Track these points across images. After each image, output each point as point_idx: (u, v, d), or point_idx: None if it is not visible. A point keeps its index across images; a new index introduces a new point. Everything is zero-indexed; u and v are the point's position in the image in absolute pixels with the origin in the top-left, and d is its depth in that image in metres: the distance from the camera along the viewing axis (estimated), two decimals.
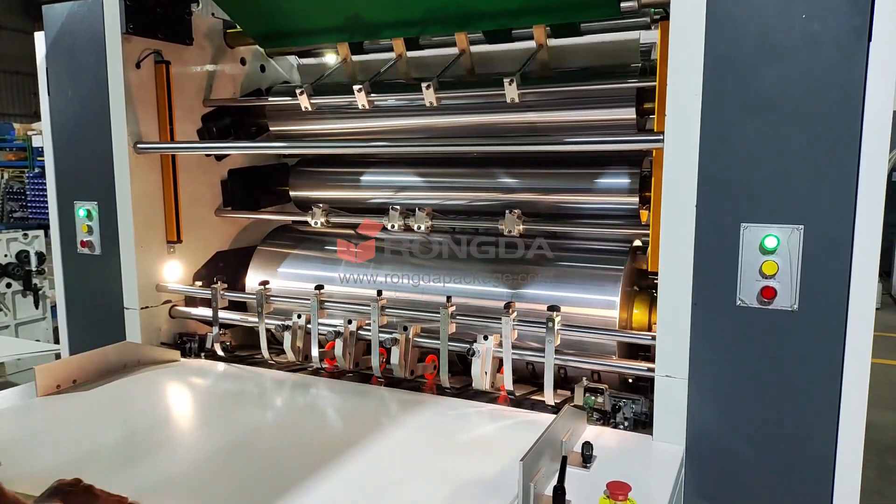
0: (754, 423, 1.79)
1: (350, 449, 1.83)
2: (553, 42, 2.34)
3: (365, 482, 1.68)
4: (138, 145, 2.58)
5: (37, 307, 6.55)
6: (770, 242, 1.71)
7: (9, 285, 6.29)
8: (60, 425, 2.04)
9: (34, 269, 6.40)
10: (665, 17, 1.82)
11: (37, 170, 11.14)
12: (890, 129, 1.60)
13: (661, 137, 1.80)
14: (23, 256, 6.36)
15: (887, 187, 1.65)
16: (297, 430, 2.06)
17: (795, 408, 1.75)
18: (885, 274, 10.26)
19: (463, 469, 1.75)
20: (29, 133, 12.19)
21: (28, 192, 10.90)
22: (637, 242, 2.39)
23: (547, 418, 1.91)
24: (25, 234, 6.49)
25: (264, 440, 1.99)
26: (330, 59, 2.93)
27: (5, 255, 6.32)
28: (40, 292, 6.50)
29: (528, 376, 2.34)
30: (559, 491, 1.49)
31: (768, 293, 1.73)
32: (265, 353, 2.54)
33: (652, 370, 1.90)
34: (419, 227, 2.44)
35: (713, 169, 1.74)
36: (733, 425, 1.81)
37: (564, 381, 2.27)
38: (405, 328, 2.29)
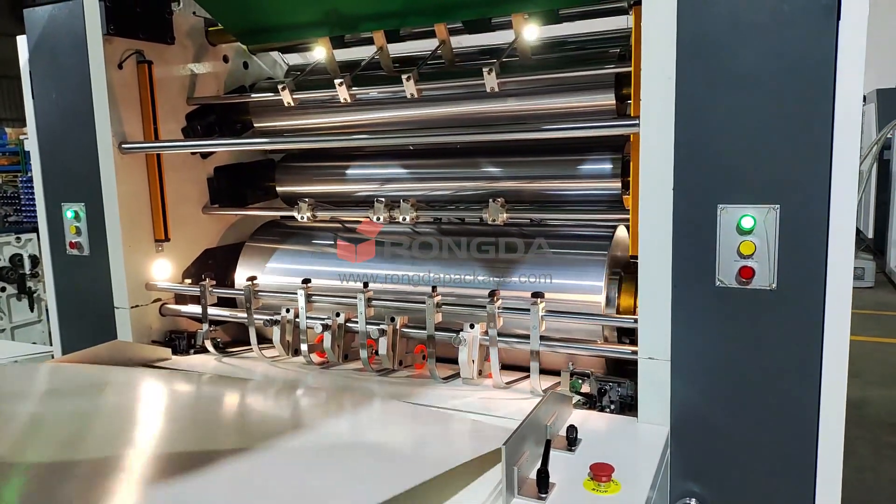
0: (737, 402, 1.82)
1: (339, 437, 1.85)
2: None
3: (352, 467, 1.70)
4: (123, 145, 2.58)
5: (32, 310, 6.56)
6: (747, 223, 1.73)
7: (3, 289, 6.30)
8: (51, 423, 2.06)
9: (28, 272, 6.41)
10: (638, 2, 1.82)
11: (29, 174, 11.09)
12: (860, 108, 1.62)
13: (637, 122, 1.82)
14: (16, 260, 6.37)
15: (878, 165, 1.67)
16: (288, 422, 2.07)
17: (777, 385, 1.77)
18: (878, 252, 10.29)
19: (450, 455, 1.76)
20: (21, 137, 12.13)
21: (22, 196, 10.86)
22: (620, 227, 2.41)
23: (532, 404, 1.93)
24: (18, 238, 6.50)
25: (256, 433, 2.00)
26: (314, 54, 2.93)
27: None
28: (35, 295, 6.51)
29: (516, 362, 2.36)
30: (543, 474, 1.51)
31: (746, 273, 1.75)
32: (255, 348, 2.55)
33: (636, 353, 1.92)
34: (404, 219, 2.45)
35: (689, 151, 1.76)
36: (716, 404, 1.84)
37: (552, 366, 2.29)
38: (392, 319, 2.31)
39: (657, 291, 1.84)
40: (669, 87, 1.75)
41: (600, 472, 1.54)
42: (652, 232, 1.83)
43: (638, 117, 1.81)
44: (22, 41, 2.74)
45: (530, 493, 1.50)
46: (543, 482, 1.50)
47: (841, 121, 1.63)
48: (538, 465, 1.54)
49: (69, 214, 2.71)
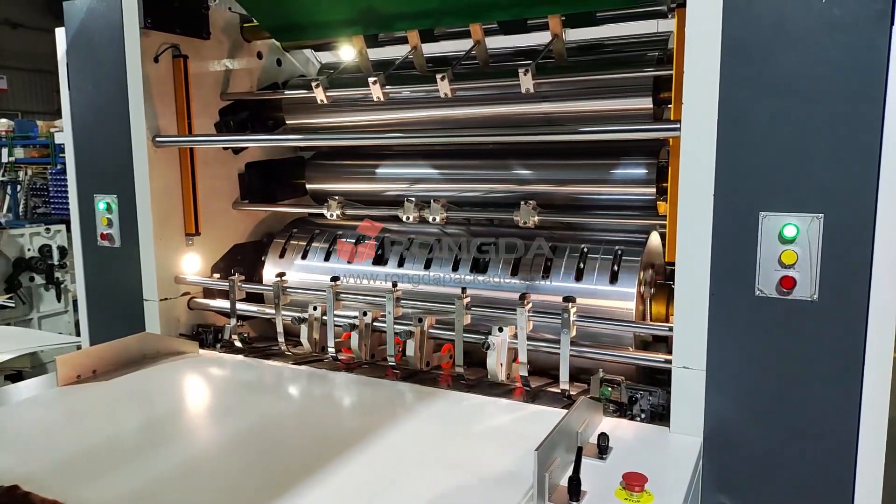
0: (773, 415, 1.77)
1: (365, 439, 1.83)
2: None
3: (379, 472, 1.68)
4: (157, 139, 2.60)
5: (59, 301, 6.66)
6: (789, 231, 1.68)
7: (32, 279, 6.40)
8: (80, 415, 2.07)
9: (56, 263, 6.51)
10: (682, 5, 1.79)
11: (59, 166, 11.28)
12: None
13: (678, 126, 1.78)
14: (45, 251, 6.47)
15: None
16: (313, 421, 2.07)
17: (815, 399, 1.72)
18: None
19: (479, 460, 1.74)
20: (52, 130, 12.34)
21: (51, 189, 11.04)
22: (654, 233, 2.37)
23: (563, 411, 1.90)
24: (48, 229, 6.60)
25: (281, 430, 2.00)
26: (346, 52, 2.94)
27: (28, 250, 6.43)
28: (62, 286, 6.60)
29: (545, 368, 2.33)
30: (574, 481, 1.49)
31: (787, 283, 1.70)
32: (282, 344, 2.55)
33: (669, 361, 1.88)
34: (434, 219, 2.44)
35: (731, 157, 1.72)
36: (751, 417, 1.79)
37: (581, 372, 2.26)
38: (420, 320, 2.29)
39: (694, 299, 1.79)
40: (712, 92, 1.71)
41: (633, 482, 1.51)
42: (690, 238, 1.79)
43: (679, 121, 1.78)
44: (60, 33, 2.77)
45: (561, 501, 1.47)
46: (575, 489, 1.48)
47: (891, 129, 1.58)
48: (569, 473, 1.52)
49: (101, 206, 2.73)
